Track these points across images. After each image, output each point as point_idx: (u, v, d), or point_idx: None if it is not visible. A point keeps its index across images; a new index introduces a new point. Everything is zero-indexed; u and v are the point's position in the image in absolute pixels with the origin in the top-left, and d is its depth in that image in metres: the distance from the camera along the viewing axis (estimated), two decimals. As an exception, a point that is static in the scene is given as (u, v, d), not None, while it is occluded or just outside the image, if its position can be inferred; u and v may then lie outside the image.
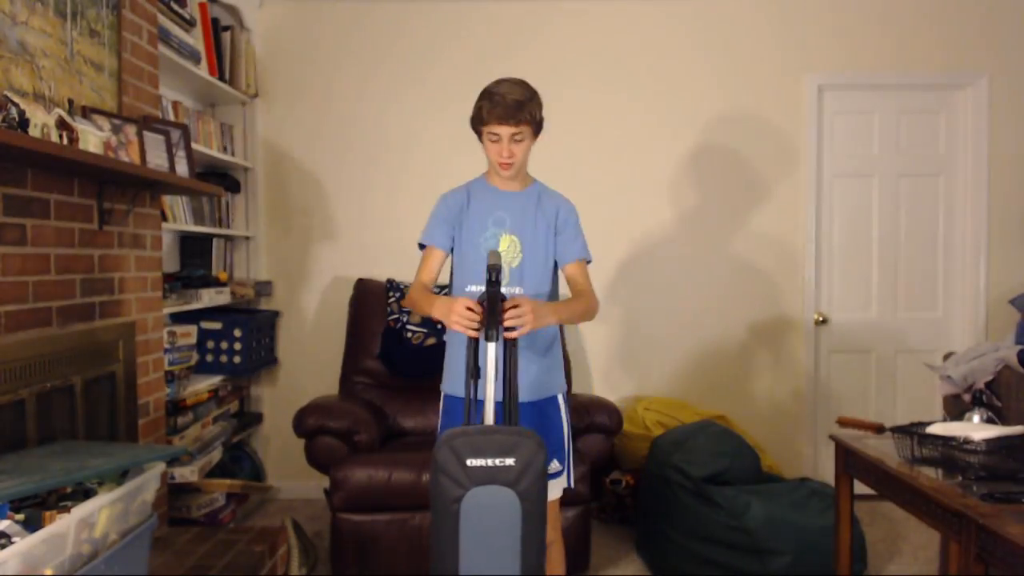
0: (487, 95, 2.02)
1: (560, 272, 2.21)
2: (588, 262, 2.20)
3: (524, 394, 2.06)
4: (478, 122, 2.06)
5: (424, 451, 2.81)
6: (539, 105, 2.06)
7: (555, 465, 2.13)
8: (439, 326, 3.48)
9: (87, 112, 2.23)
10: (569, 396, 2.28)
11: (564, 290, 2.22)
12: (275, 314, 3.90)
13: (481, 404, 1.76)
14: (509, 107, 1.98)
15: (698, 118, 3.89)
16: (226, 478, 3.41)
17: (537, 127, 2.07)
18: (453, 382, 2.17)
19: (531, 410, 2.08)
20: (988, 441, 1.93)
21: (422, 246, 2.21)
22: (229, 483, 3.28)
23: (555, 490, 2.12)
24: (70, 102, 2.17)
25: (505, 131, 2.00)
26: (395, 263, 3.85)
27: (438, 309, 1.92)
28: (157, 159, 2.49)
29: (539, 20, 3.87)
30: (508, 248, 2.10)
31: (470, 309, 1.82)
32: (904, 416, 3.86)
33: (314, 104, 3.90)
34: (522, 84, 2.05)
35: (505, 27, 3.87)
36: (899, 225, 3.97)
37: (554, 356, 2.18)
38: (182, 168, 2.65)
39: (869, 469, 2.19)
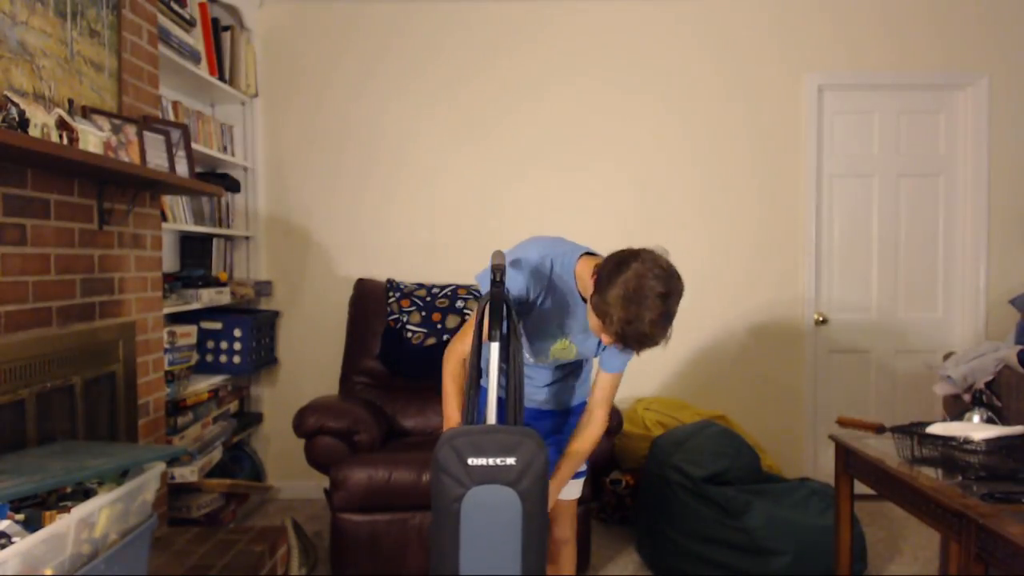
0: (630, 313, 1.62)
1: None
2: (620, 372, 2.05)
3: (551, 404, 2.15)
4: (610, 323, 1.65)
5: (424, 451, 2.82)
6: (671, 322, 1.71)
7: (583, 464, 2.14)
8: (439, 326, 3.49)
9: (87, 112, 2.23)
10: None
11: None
12: (275, 314, 3.90)
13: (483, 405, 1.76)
14: (637, 344, 1.69)
15: (698, 117, 3.89)
16: (226, 478, 3.41)
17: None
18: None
19: (568, 419, 2.15)
20: (988, 441, 1.94)
21: (496, 283, 1.80)
22: (229, 483, 3.28)
23: (576, 489, 2.13)
24: (70, 102, 2.17)
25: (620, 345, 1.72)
26: (395, 263, 3.85)
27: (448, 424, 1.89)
28: (157, 159, 2.49)
29: (537, 19, 3.86)
30: (559, 347, 2.01)
31: None
32: (904, 416, 3.86)
33: (314, 104, 3.90)
34: (665, 315, 1.66)
35: (504, 26, 3.86)
36: (899, 225, 3.97)
37: (586, 376, 2.20)
38: (182, 168, 2.65)
39: (869, 469, 2.19)
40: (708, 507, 2.83)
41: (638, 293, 1.62)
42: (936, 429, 2.08)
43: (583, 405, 2.15)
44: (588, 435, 2.03)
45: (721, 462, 2.99)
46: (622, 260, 1.68)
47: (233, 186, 3.81)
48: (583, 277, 1.87)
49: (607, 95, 3.88)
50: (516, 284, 1.87)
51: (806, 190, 3.89)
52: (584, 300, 1.88)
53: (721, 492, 2.85)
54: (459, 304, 3.53)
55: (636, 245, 1.76)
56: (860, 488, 2.35)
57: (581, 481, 2.16)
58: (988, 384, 2.65)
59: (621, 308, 1.63)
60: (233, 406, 3.68)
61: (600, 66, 3.88)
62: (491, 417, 1.74)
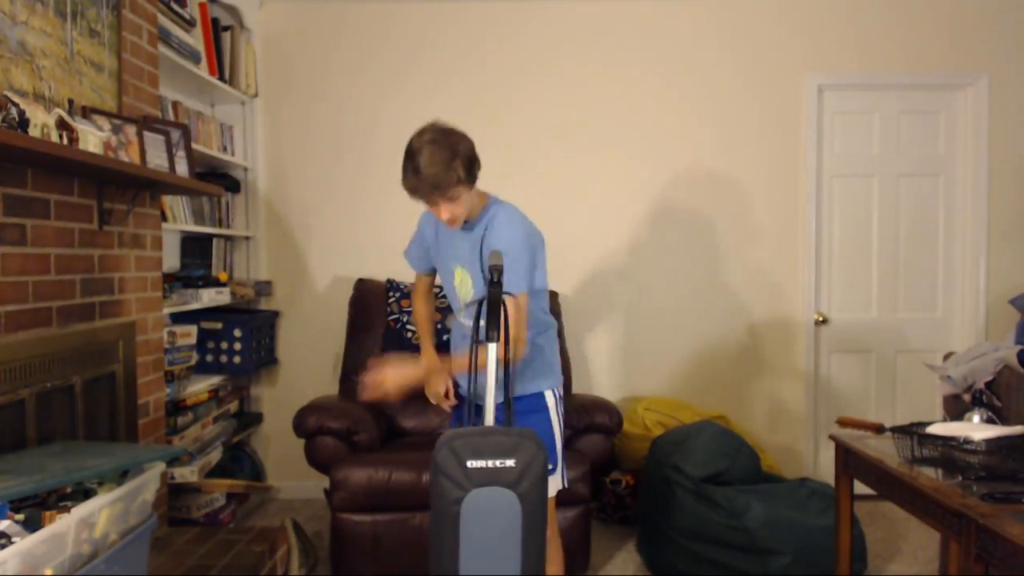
0: (409, 164, 1.94)
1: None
2: (516, 293, 2.02)
3: (521, 389, 2.14)
4: (409, 191, 1.98)
5: (424, 451, 2.81)
6: (466, 157, 1.96)
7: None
8: (439, 326, 3.48)
9: (87, 112, 2.23)
10: (564, 397, 2.28)
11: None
12: (275, 314, 3.90)
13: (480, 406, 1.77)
14: (433, 183, 1.92)
15: (697, 117, 3.89)
16: (226, 478, 3.41)
17: (471, 178, 1.99)
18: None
19: (527, 400, 2.14)
20: (988, 441, 1.93)
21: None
22: (229, 483, 3.28)
23: (551, 486, 2.13)
24: (70, 102, 2.17)
25: (438, 198, 1.96)
26: (395, 263, 3.83)
27: (423, 364, 2.17)
28: (157, 159, 2.49)
29: (535, 18, 3.87)
30: (460, 283, 2.15)
31: (445, 395, 2.19)
32: (904, 416, 3.87)
33: (314, 104, 3.90)
34: (442, 142, 1.94)
35: (500, 20, 3.86)
36: (899, 225, 3.97)
37: (532, 358, 2.16)
38: (182, 168, 2.65)
39: (869, 469, 2.19)
40: (708, 507, 2.83)
41: (409, 147, 1.97)
42: (936, 429, 2.08)
43: (545, 399, 2.17)
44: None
45: (721, 462, 2.99)
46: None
47: (233, 186, 3.81)
48: None
49: (603, 93, 3.88)
50: (411, 255, 2.32)
51: (806, 190, 3.89)
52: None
53: (721, 492, 2.85)
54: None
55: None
56: (860, 488, 2.35)
57: (556, 477, 2.15)
58: (988, 384, 2.65)
59: (403, 166, 1.96)
60: (233, 406, 3.68)
61: (596, 64, 3.87)
62: (489, 419, 1.75)
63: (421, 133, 1.98)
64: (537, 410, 2.16)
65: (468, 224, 2.11)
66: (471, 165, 1.99)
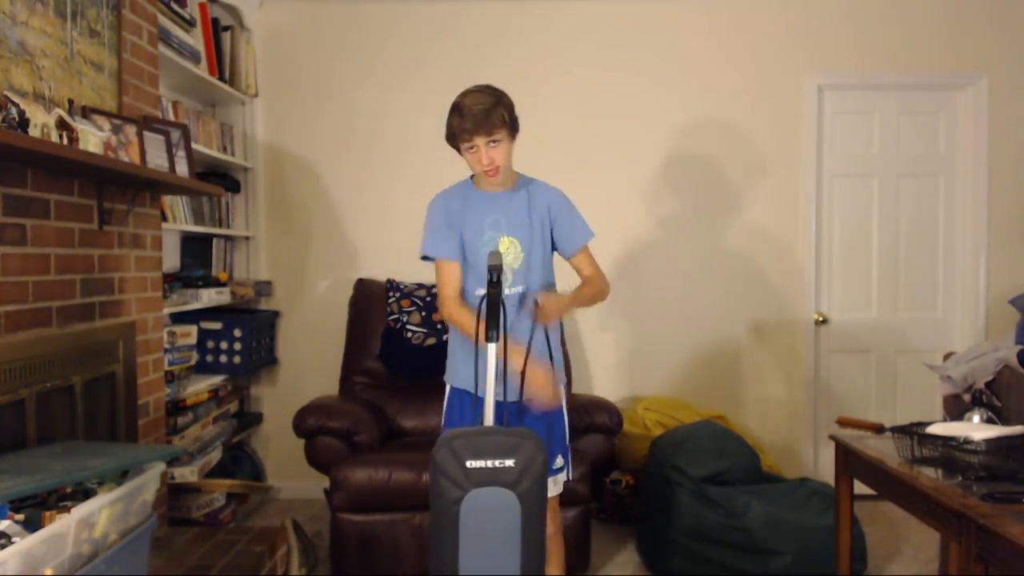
0: (455, 109, 2.02)
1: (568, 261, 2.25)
2: (590, 240, 2.25)
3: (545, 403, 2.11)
4: (452, 138, 2.06)
5: (424, 451, 2.79)
6: (509, 106, 2.05)
7: (559, 461, 2.16)
8: (439, 326, 3.48)
9: (87, 112, 2.23)
10: (569, 391, 2.29)
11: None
12: (275, 314, 3.90)
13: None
14: (478, 117, 1.97)
15: (697, 117, 3.89)
16: (226, 478, 3.41)
17: (513, 127, 2.07)
18: (455, 374, 2.24)
19: (542, 418, 2.13)
20: (988, 441, 1.93)
21: (427, 258, 2.20)
22: (229, 483, 3.28)
23: (556, 486, 2.14)
24: (70, 102, 2.17)
25: (481, 140, 2.01)
26: (395, 263, 3.85)
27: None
28: (157, 159, 2.49)
29: (536, 19, 3.87)
30: (508, 250, 2.11)
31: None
32: (904, 416, 3.86)
33: (314, 104, 3.90)
34: (487, 90, 2.05)
35: (501, 20, 3.87)
36: (899, 225, 3.97)
37: (559, 361, 2.19)
38: (182, 168, 2.65)
39: (869, 469, 2.19)
40: (708, 507, 2.83)
41: (454, 103, 2.03)
42: (936, 429, 2.08)
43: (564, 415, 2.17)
44: (602, 289, 2.19)
45: (721, 462, 2.99)
46: None
47: (233, 186, 3.81)
48: (477, 177, 2.16)
49: (604, 92, 3.88)
50: (436, 242, 2.16)
51: (806, 190, 3.89)
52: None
53: (721, 492, 2.85)
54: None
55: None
56: (860, 488, 2.35)
57: (555, 479, 2.15)
58: (988, 384, 2.65)
59: (448, 117, 2.02)
60: (233, 406, 3.68)
61: (597, 63, 3.87)
62: (489, 419, 1.75)
63: (465, 91, 2.06)
64: (561, 415, 2.18)
65: (506, 192, 2.15)
66: (514, 117, 2.06)
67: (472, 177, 2.21)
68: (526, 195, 2.17)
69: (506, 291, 2.13)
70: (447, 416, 2.27)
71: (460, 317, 2.09)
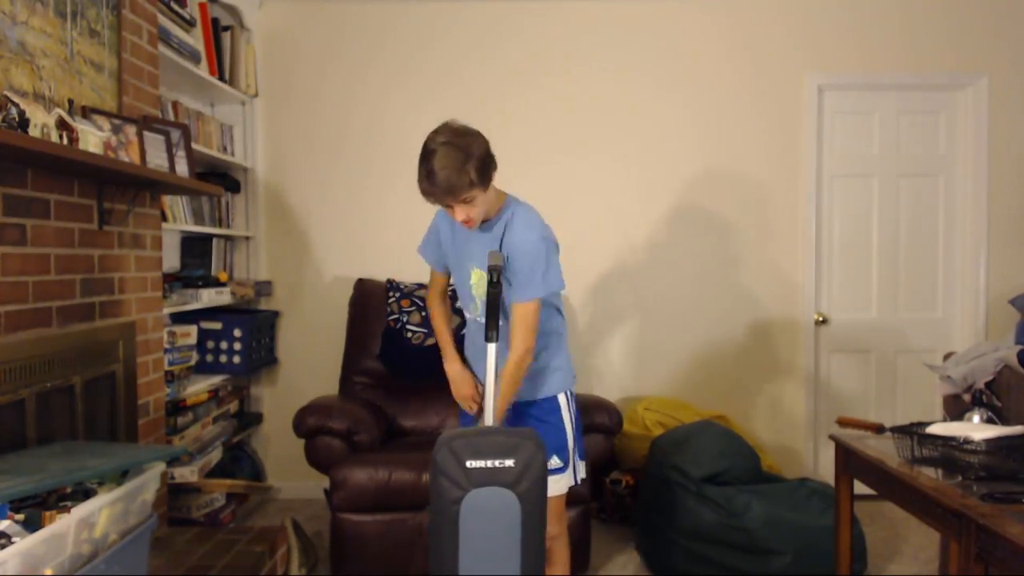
0: (424, 166, 1.93)
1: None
2: (537, 296, 2.06)
3: (542, 392, 2.17)
4: (425, 195, 1.99)
5: (424, 451, 2.80)
6: (479, 159, 1.93)
7: (555, 461, 2.15)
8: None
9: (87, 112, 2.23)
10: (575, 393, 2.29)
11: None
12: (275, 314, 3.90)
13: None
14: (443, 187, 1.91)
15: (697, 117, 3.89)
16: (226, 478, 3.41)
17: (484, 181, 1.96)
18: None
19: (526, 409, 2.15)
20: (988, 441, 1.93)
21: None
22: (229, 483, 3.28)
23: (555, 487, 2.13)
24: (70, 102, 2.17)
25: (452, 201, 1.96)
26: (395, 263, 3.85)
27: (448, 373, 2.31)
28: (157, 159, 2.49)
29: (534, 19, 3.86)
30: (478, 282, 2.12)
31: (472, 399, 2.24)
32: (904, 416, 3.86)
33: (314, 104, 3.90)
34: (455, 145, 1.92)
35: (500, 19, 3.86)
36: (899, 225, 3.97)
37: (544, 362, 2.19)
38: (182, 168, 2.65)
39: (869, 469, 2.19)
40: (708, 507, 2.83)
41: (425, 148, 1.95)
42: (936, 429, 2.08)
43: (558, 400, 2.18)
44: (510, 359, 2.03)
45: (721, 462, 2.99)
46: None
47: (233, 186, 3.81)
48: None
49: (604, 93, 3.88)
50: (425, 248, 2.31)
51: (806, 190, 3.89)
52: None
53: (721, 492, 2.85)
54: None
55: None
56: (860, 488, 2.35)
57: (560, 478, 2.15)
58: (988, 384, 2.65)
59: (418, 168, 1.95)
60: (233, 406, 3.68)
61: (596, 63, 3.87)
62: (488, 419, 1.75)
63: (436, 134, 1.97)
64: (552, 413, 2.18)
65: (486, 224, 2.09)
66: (485, 167, 1.96)
67: None
68: (501, 231, 2.07)
69: (478, 318, 2.16)
70: (461, 416, 2.36)
71: (433, 319, 2.38)
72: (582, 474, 2.25)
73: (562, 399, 2.20)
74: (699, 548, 2.82)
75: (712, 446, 3.06)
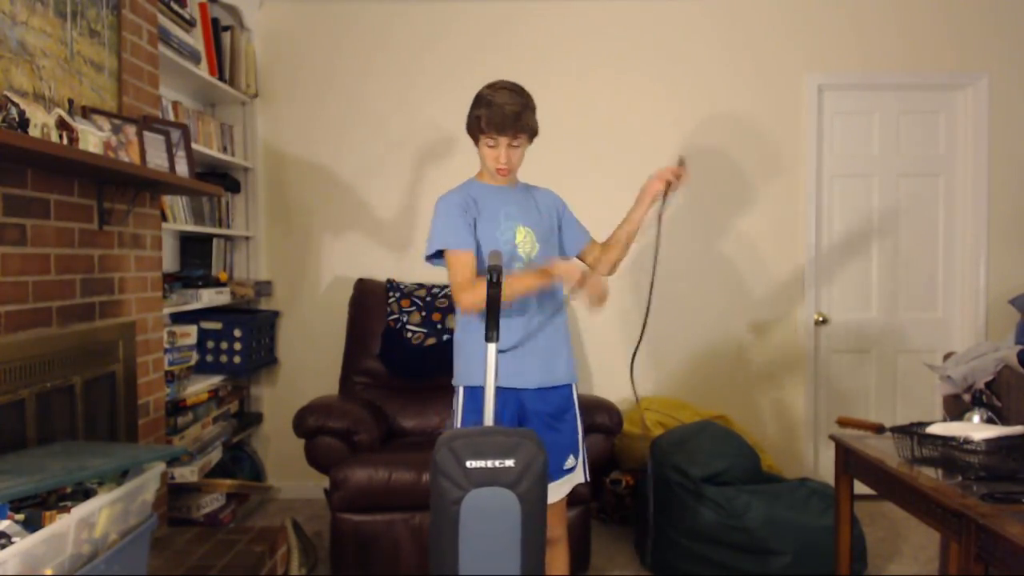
0: (485, 103, 2.02)
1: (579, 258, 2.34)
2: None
3: (561, 375, 2.13)
4: (476, 130, 2.06)
5: (424, 451, 2.81)
6: (534, 112, 2.08)
7: (571, 460, 2.13)
8: (439, 326, 3.48)
9: (87, 112, 2.23)
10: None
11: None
12: (275, 314, 3.90)
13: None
14: (507, 118, 1.99)
15: (697, 117, 3.89)
16: (226, 478, 3.41)
17: (533, 134, 2.10)
18: (470, 374, 2.11)
19: (560, 394, 2.13)
20: (988, 441, 1.93)
21: (440, 253, 2.08)
22: (229, 483, 3.28)
23: (566, 487, 2.13)
24: (70, 102, 2.17)
25: (504, 140, 2.03)
26: (395, 263, 3.85)
27: (556, 269, 2.00)
28: (157, 159, 2.49)
29: (536, 19, 3.87)
30: (524, 239, 2.12)
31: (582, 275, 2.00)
32: (904, 416, 3.86)
33: (314, 104, 3.90)
34: (518, 92, 2.06)
35: (501, 19, 3.87)
36: (899, 225, 3.97)
37: (565, 334, 2.19)
38: (182, 168, 2.65)
39: (869, 469, 2.19)
40: (708, 507, 2.83)
41: (482, 93, 2.04)
42: (936, 429, 2.08)
43: (572, 389, 2.17)
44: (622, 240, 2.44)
45: (721, 462, 2.99)
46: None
47: (233, 186, 3.81)
48: (483, 174, 2.16)
49: (604, 92, 3.88)
50: (453, 233, 2.05)
51: (806, 190, 3.89)
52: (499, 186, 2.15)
53: (721, 492, 2.85)
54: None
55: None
56: (860, 488, 2.35)
57: (573, 476, 2.15)
58: (988, 384, 2.65)
59: (473, 107, 2.04)
60: (233, 406, 3.68)
61: (597, 63, 3.87)
62: (489, 418, 1.75)
63: (493, 84, 2.07)
64: (571, 406, 2.16)
65: (513, 188, 2.18)
66: (537, 125, 2.10)
67: (476, 176, 2.20)
68: (529, 192, 2.24)
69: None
70: (464, 420, 2.13)
71: (481, 293, 1.88)
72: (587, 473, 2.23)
73: (574, 390, 2.19)
74: (699, 548, 2.82)
75: (712, 446, 3.06)
